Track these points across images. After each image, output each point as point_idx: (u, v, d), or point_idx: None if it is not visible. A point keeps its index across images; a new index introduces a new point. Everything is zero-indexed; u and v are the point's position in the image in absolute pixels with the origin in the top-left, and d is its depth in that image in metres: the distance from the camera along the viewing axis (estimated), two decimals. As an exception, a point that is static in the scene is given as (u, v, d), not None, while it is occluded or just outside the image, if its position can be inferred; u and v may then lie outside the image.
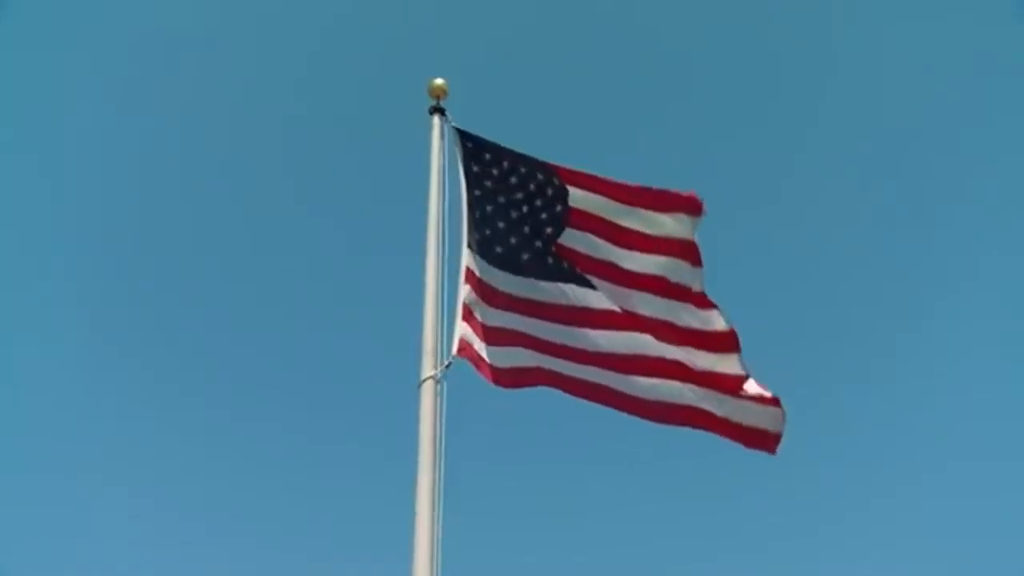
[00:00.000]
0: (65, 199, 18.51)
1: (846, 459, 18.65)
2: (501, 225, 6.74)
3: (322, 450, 19.04)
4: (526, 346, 6.54)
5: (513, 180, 6.84)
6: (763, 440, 6.55)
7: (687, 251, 6.71)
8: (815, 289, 20.98)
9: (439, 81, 7.06)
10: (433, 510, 5.00)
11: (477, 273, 6.41)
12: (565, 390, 6.63)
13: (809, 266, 21.10)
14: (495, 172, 6.82)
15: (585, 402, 6.66)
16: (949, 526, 16.86)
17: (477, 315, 6.24)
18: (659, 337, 6.70)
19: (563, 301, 6.67)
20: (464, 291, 6.11)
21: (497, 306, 6.48)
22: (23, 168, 17.94)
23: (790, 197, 21.25)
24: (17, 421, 16.42)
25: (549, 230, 6.78)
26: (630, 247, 6.78)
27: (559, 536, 17.52)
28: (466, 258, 6.29)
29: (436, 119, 6.93)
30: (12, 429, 16.29)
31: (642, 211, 6.77)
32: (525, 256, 6.69)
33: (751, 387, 6.52)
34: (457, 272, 6.22)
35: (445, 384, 5.55)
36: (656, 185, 6.77)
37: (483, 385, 6.01)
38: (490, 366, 6.13)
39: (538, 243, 6.72)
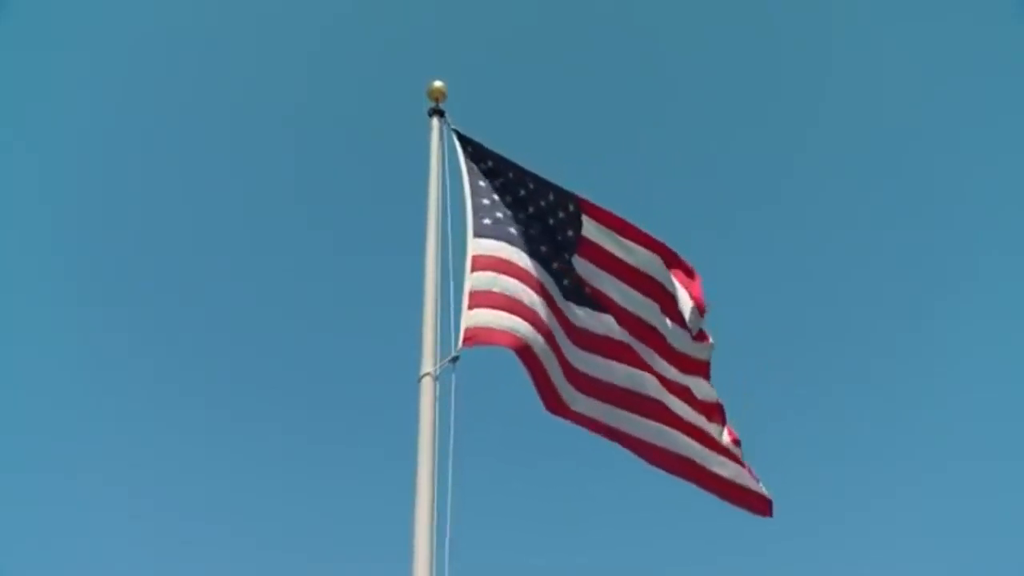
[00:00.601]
0: (65, 199, 18.56)
1: (846, 459, 18.70)
2: (525, 226, 6.62)
3: (322, 450, 19.09)
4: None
5: (520, 193, 6.75)
6: (759, 502, 6.76)
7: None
8: (815, 289, 21.01)
9: (438, 83, 7.08)
10: (432, 508, 5.01)
11: (505, 256, 6.19)
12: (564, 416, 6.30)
13: (809, 266, 21.14)
14: (496, 183, 6.75)
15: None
16: (949, 526, 16.90)
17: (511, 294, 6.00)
18: (664, 387, 6.63)
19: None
20: (472, 279, 5.95)
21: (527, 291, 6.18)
22: (23, 168, 17.98)
23: (790, 197, 21.29)
24: (17, 421, 16.46)
25: (547, 249, 6.61)
26: (645, 294, 6.71)
27: (560, 537, 17.56)
28: (472, 247, 6.14)
29: (435, 121, 6.95)
30: (12, 429, 16.34)
31: (660, 263, 6.70)
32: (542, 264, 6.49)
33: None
34: (455, 270, 6.18)
35: (452, 379, 5.53)
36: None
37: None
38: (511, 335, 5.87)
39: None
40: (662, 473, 6.59)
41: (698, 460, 6.62)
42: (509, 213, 6.60)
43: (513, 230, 6.46)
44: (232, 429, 19.18)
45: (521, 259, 6.30)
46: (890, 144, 20.18)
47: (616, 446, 6.49)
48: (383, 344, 17.86)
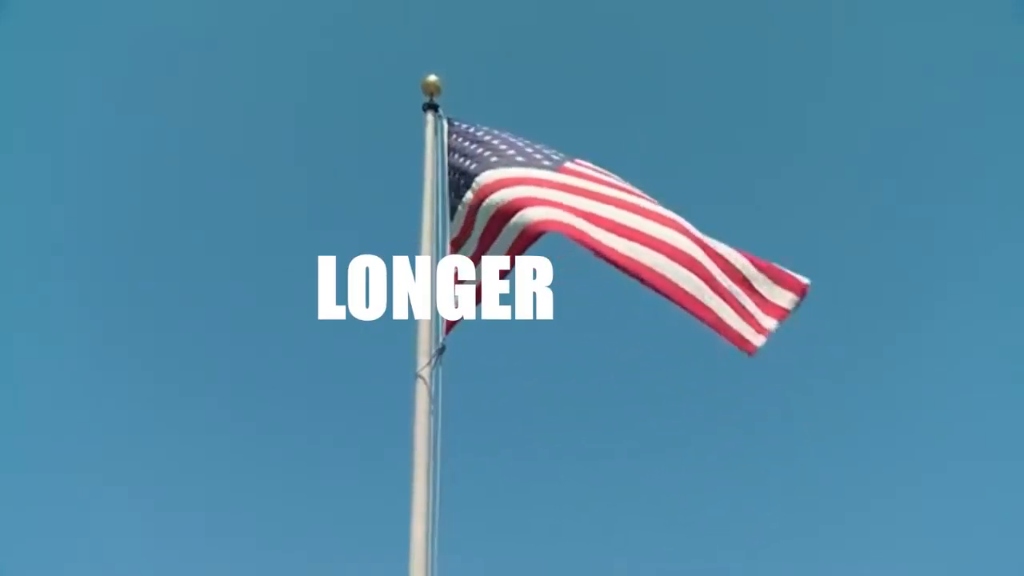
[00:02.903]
0: (65, 199, 18.57)
1: (846, 459, 18.66)
2: (488, 152, 6.33)
3: (322, 450, 19.06)
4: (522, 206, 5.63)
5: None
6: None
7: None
8: (814, 289, 20.94)
9: (433, 78, 7.07)
10: (428, 504, 5.02)
11: (469, 196, 5.93)
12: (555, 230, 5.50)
13: (808, 266, 21.05)
14: (485, 152, 6.40)
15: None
16: (949, 526, 16.83)
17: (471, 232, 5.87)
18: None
19: (572, 182, 5.87)
20: (449, 251, 5.91)
21: (493, 192, 5.82)
22: (23, 168, 18.00)
23: (788, 197, 21.28)
24: (17, 421, 16.46)
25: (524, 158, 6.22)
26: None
27: (560, 533, 17.52)
28: (451, 232, 6.08)
29: (430, 116, 6.94)
30: (12, 429, 16.33)
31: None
32: (520, 158, 6.15)
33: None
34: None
35: (440, 371, 5.51)
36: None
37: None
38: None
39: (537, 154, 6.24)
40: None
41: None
42: (479, 149, 6.32)
43: (474, 164, 6.14)
44: (232, 429, 19.13)
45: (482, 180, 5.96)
46: (890, 144, 20.19)
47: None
48: (383, 342, 17.85)
